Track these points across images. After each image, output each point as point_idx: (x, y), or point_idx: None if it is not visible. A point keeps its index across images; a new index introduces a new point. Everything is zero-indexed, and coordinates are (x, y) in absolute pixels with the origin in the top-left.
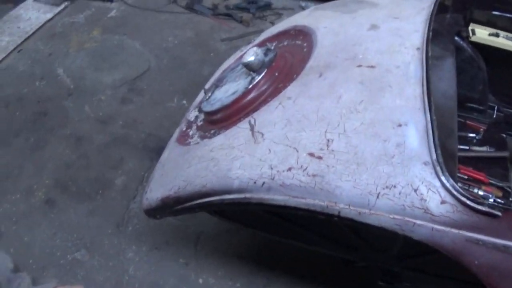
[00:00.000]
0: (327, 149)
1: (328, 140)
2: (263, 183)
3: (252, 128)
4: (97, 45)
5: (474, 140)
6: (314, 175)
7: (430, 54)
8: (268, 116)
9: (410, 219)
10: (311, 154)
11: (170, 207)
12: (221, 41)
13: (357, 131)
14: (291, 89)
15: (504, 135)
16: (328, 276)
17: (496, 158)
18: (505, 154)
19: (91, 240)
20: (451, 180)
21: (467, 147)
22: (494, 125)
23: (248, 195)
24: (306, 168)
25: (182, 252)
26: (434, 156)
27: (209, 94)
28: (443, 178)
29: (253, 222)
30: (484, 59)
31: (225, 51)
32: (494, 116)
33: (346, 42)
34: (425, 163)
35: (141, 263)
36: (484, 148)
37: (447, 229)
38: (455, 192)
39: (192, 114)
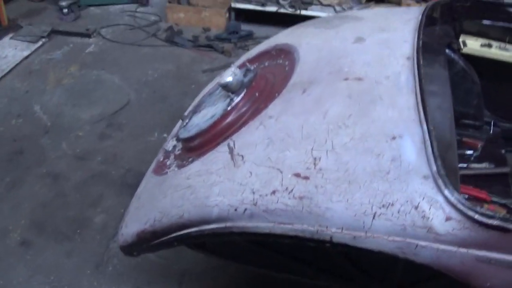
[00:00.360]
0: (314, 168)
1: (315, 159)
2: (245, 209)
3: (231, 151)
4: (74, 81)
5: (472, 158)
6: (301, 197)
7: (421, 62)
8: (249, 138)
9: (412, 240)
10: (297, 175)
11: (147, 242)
12: (203, 72)
13: (347, 147)
14: (273, 108)
15: (503, 151)
16: None
17: (496, 175)
18: (505, 170)
19: (69, 282)
20: (456, 194)
21: (465, 165)
22: (491, 141)
23: (229, 224)
24: (292, 190)
25: None
26: (435, 168)
27: (187, 121)
28: (446, 192)
29: (238, 255)
30: (477, 72)
31: (206, 82)
32: (491, 132)
33: (330, 56)
34: (425, 177)
35: None
36: (483, 165)
37: (454, 248)
38: (461, 207)
39: (170, 144)
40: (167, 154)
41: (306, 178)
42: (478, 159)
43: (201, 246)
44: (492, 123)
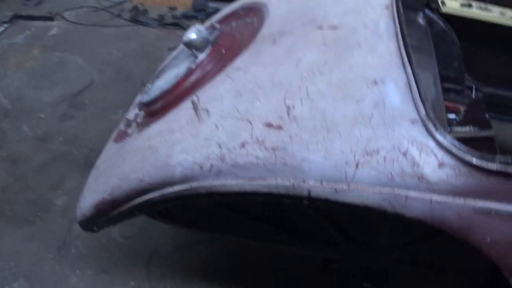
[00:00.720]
0: (288, 117)
1: (288, 107)
2: (211, 166)
3: (195, 106)
4: (36, 64)
5: (455, 122)
6: (274, 149)
7: (401, 11)
8: (214, 92)
9: (401, 191)
10: (269, 125)
11: (106, 213)
12: (168, 50)
13: (324, 94)
14: (240, 60)
15: (486, 115)
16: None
17: (481, 139)
18: (490, 133)
19: (30, 268)
20: (449, 137)
21: (448, 129)
22: (473, 105)
23: (194, 185)
24: (263, 141)
25: (133, 274)
26: (423, 112)
27: (148, 86)
28: (438, 135)
29: (207, 222)
30: (456, 34)
31: None
32: (473, 96)
33: (302, 8)
34: (412, 121)
35: None
36: (466, 129)
37: (449, 199)
38: (456, 151)
39: (131, 113)
40: (128, 123)
41: (279, 127)
42: (461, 123)
43: (166, 215)
44: (473, 88)
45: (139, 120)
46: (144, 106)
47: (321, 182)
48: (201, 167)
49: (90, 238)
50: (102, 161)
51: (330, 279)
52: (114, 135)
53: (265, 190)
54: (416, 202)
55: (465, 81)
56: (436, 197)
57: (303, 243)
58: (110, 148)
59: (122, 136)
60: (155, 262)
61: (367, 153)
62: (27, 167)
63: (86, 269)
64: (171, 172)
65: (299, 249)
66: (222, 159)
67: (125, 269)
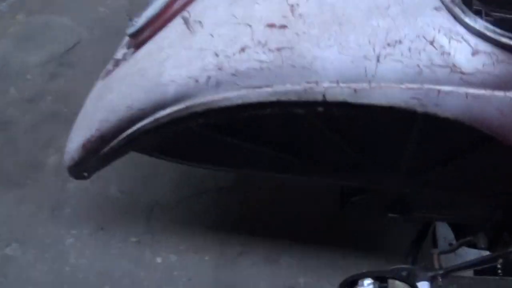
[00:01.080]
0: (293, 15)
1: (292, 6)
2: (208, 78)
3: (186, 20)
4: (21, 28)
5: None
6: (279, 49)
7: None
8: (207, 2)
9: (432, 86)
10: (271, 25)
11: (95, 152)
12: None
13: None
14: None
15: None
16: (320, 230)
17: None
18: None
19: (23, 231)
20: (480, 20)
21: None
22: None
23: (189, 103)
24: (266, 42)
25: (133, 229)
26: None
27: (136, 20)
28: (468, 20)
29: (204, 153)
30: None
31: None
32: None
33: None
34: (436, 8)
35: (84, 249)
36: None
37: (488, 92)
38: (490, 34)
39: (119, 52)
40: (116, 62)
41: (283, 27)
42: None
43: (162, 150)
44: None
45: (127, 58)
46: (131, 38)
47: (337, 82)
48: (197, 81)
49: (86, 195)
50: (89, 100)
51: (350, 216)
52: (101, 75)
53: (273, 98)
54: (450, 98)
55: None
56: (472, 91)
57: (316, 169)
58: (97, 86)
59: (110, 73)
60: (157, 216)
61: (388, 45)
62: (16, 129)
63: (83, 228)
64: (163, 91)
65: (311, 177)
66: (220, 68)
67: (124, 225)
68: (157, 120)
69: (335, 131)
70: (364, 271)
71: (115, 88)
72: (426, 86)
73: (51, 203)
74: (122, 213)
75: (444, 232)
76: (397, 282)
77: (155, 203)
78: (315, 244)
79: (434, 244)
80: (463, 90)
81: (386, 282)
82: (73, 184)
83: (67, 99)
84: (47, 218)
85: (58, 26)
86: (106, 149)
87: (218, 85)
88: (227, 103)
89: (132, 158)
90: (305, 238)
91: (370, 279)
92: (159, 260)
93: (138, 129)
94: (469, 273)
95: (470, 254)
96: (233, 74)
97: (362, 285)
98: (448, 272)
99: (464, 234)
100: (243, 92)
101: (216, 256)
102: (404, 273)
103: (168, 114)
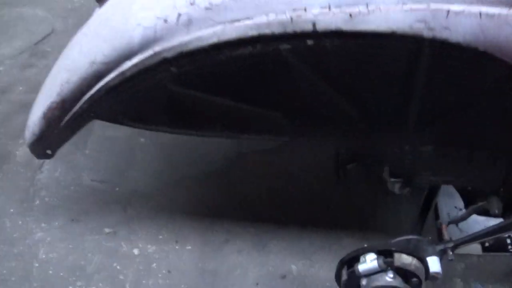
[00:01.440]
0: None
1: None
2: (178, 15)
3: None
4: None
5: None
6: None
7: None
8: None
9: (440, 5)
10: None
11: (57, 122)
12: None
13: None
14: None
15: None
16: (311, 212)
17: None
18: None
19: None
20: None
21: None
22: None
23: (158, 48)
24: None
25: (108, 220)
26: None
27: None
28: None
29: (182, 115)
30: None
31: None
32: None
33: None
34: None
35: (55, 243)
36: None
37: (505, 10)
38: None
39: None
40: None
41: None
42: None
43: (132, 117)
44: None
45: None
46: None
47: (329, 7)
48: (166, 20)
49: (58, 187)
50: (53, 68)
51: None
52: None
53: (254, 33)
54: (461, 19)
55: None
56: (487, 9)
57: (309, 131)
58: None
59: None
60: (134, 205)
61: None
62: None
63: (53, 221)
64: (129, 38)
65: (304, 139)
66: (192, 2)
67: (98, 216)
68: (122, 73)
69: (327, 81)
70: (365, 245)
71: (77, 45)
72: (434, 5)
73: (20, 195)
74: (97, 203)
75: (447, 206)
76: (404, 256)
77: (133, 192)
78: (306, 228)
79: (437, 217)
80: (476, 8)
81: (392, 256)
82: (44, 175)
83: (39, 88)
84: (16, 211)
85: (31, 17)
86: (68, 117)
87: (189, 23)
88: (201, 44)
89: (107, 145)
90: (295, 222)
91: (373, 253)
92: (136, 251)
93: (102, 87)
94: (477, 250)
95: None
96: (207, 8)
97: (364, 261)
98: (459, 245)
99: (474, 201)
100: (218, 28)
101: (199, 245)
102: (410, 246)
103: (135, 65)
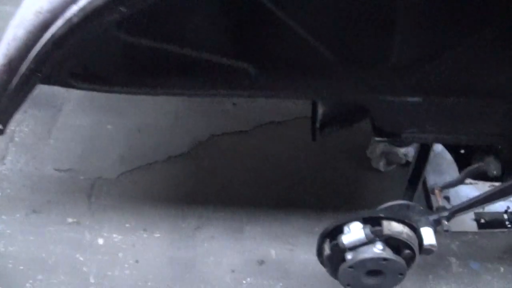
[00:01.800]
0: None
1: None
2: None
3: None
4: None
5: None
6: None
7: None
8: None
9: None
10: None
11: (4, 89)
12: None
13: None
14: None
15: None
16: (289, 192)
17: None
18: None
19: None
20: None
21: None
22: None
23: None
24: None
25: (71, 210)
26: None
27: None
28: None
29: (136, 71)
30: None
31: None
32: None
33: None
34: None
35: (15, 235)
36: None
37: None
38: None
39: None
40: None
41: None
42: None
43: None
44: None
45: None
46: None
47: None
48: None
49: (18, 177)
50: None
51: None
52: None
53: None
54: None
55: None
56: None
57: (278, 80)
58: None
59: None
60: (98, 194)
61: None
62: None
63: (15, 213)
64: None
65: (269, 91)
66: None
67: (61, 206)
68: (69, 20)
69: (301, 22)
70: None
71: (26, 2)
72: None
73: None
74: (59, 193)
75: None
76: (394, 223)
77: (96, 179)
78: (284, 209)
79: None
80: None
81: (380, 224)
82: (6, 166)
83: None
84: None
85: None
86: (15, 80)
87: None
88: None
89: (71, 134)
90: (273, 204)
91: (358, 222)
92: (100, 241)
93: (49, 39)
94: (473, 227)
95: None
96: None
97: (349, 231)
98: (455, 213)
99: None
100: None
101: (168, 232)
102: (401, 212)
103: (82, 8)
